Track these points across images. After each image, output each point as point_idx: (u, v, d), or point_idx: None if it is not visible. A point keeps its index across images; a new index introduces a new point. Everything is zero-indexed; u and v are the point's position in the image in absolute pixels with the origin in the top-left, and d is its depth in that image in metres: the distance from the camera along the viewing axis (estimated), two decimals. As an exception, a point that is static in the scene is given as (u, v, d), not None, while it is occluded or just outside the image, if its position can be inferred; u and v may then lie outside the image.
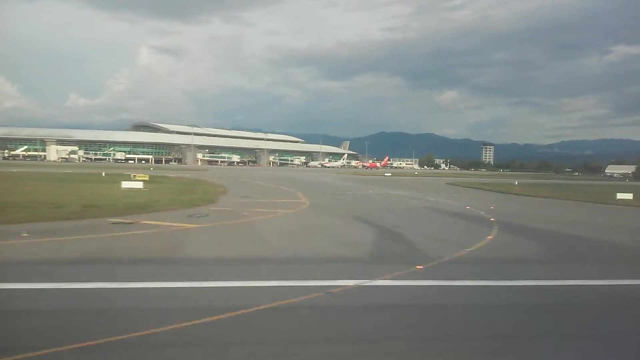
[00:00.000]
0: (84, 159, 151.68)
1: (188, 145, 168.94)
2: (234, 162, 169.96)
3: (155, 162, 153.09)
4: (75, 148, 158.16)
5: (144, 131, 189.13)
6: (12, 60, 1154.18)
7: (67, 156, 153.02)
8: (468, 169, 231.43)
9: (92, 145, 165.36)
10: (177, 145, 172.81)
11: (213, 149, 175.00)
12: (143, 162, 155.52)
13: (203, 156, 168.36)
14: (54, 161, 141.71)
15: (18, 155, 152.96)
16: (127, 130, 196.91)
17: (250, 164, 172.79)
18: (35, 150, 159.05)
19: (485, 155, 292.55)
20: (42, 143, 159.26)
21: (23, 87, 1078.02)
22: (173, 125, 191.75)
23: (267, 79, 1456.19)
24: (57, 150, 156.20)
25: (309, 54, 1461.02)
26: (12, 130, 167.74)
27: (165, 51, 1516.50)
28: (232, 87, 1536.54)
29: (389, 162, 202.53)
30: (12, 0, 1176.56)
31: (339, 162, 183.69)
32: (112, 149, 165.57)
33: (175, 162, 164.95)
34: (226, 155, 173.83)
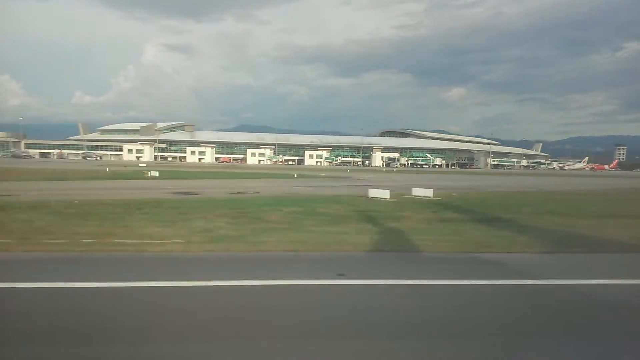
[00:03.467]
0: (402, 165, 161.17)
1: (479, 151, 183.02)
2: (520, 166, 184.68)
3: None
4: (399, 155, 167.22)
5: (391, 137, 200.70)
6: (22, 59, 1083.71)
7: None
8: (632, 170, 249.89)
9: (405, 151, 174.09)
10: (468, 150, 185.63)
11: (497, 155, 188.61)
12: (429, 166, 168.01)
13: (492, 160, 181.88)
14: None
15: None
16: (377, 136, 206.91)
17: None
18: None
19: (618, 155, 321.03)
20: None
21: (31, 85, 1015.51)
22: (421, 132, 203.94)
23: (274, 77, 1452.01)
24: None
25: (318, 51, 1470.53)
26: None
27: (176, 49, 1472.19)
28: (239, 85, 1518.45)
29: (617, 164, 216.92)
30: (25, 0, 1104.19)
31: (580, 165, 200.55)
32: (417, 154, 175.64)
33: (456, 166, 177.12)
34: (515, 160, 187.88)
